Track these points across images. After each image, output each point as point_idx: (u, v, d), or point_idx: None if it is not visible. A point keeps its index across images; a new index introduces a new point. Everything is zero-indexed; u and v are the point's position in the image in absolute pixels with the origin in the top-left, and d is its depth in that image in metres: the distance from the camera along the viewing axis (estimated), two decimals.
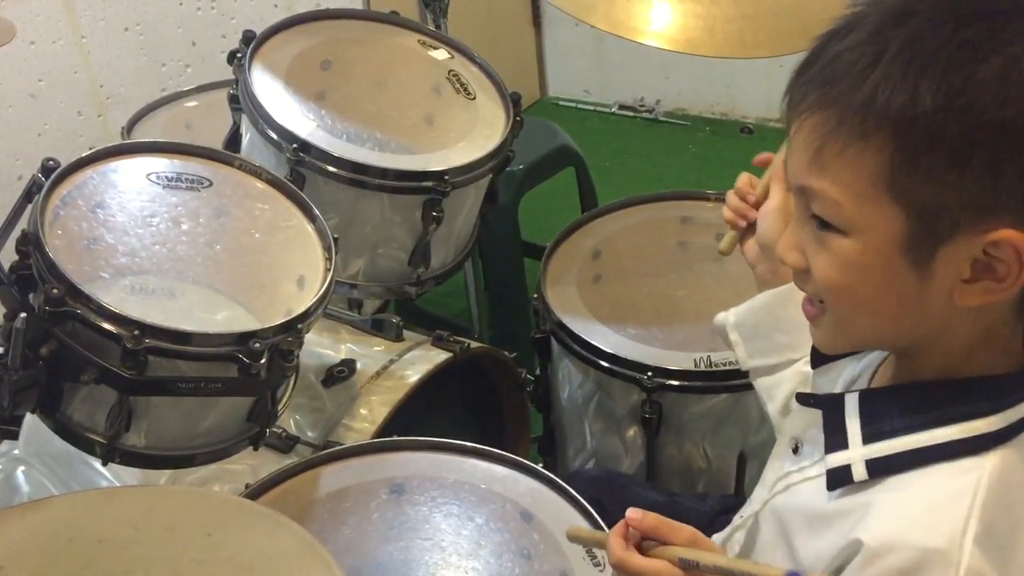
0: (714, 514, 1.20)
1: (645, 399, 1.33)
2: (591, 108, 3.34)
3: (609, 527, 1.10)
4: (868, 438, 0.72)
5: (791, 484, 0.81)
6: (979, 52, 0.62)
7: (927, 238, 0.65)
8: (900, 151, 0.63)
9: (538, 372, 1.58)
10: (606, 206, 1.62)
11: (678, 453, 1.39)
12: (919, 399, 0.71)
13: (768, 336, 1.01)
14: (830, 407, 0.76)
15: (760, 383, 1.03)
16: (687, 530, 0.82)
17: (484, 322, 1.96)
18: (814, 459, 0.79)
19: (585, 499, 1.13)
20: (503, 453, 1.21)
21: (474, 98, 1.50)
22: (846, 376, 0.82)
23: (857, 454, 0.72)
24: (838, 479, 0.73)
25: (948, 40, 0.62)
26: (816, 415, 0.78)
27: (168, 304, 1.21)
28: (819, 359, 0.84)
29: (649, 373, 1.32)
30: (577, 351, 1.39)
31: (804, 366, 0.97)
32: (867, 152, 0.64)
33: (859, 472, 0.71)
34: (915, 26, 0.64)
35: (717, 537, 0.95)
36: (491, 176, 1.47)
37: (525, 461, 1.20)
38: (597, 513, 1.10)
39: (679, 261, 1.57)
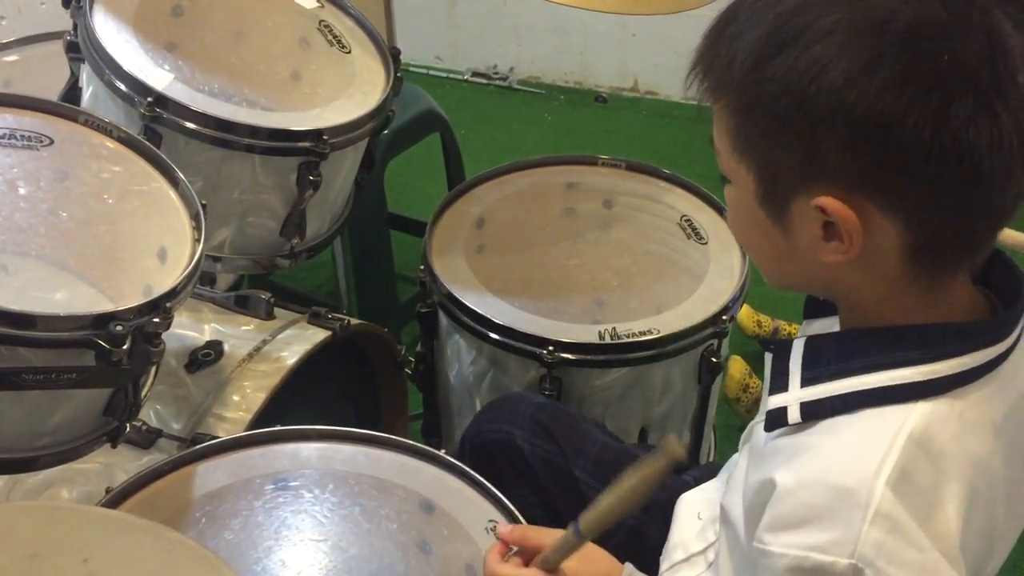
0: None
1: (545, 375, 1.25)
2: (443, 75, 3.22)
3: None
4: (805, 382, 0.72)
5: (757, 423, 0.81)
6: (787, 29, 0.64)
7: (773, 195, 0.69)
8: (737, 114, 0.68)
9: (419, 349, 1.47)
10: (490, 171, 1.52)
11: None
12: (855, 345, 0.72)
13: None
14: (780, 351, 0.76)
15: None
16: (556, 533, 0.87)
17: (353, 297, 1.82)
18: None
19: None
20: (401, 440, 1.11)
21: (349, 52, 1.37)
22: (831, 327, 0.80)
23: (793, 396, 0.72)
24: (775, 420, 0.73)
25: (766, 12, 0.65)
26: None
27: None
28: (809, 311, 0.84)
29: (550, 347, 1.23)
30: (470, 325, 1.29)
31: None
32: (722, 110, 0.70)
33: (793, 414, 0.72)
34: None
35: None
36: (369, 139, 1.35)
37: (425, 447, 1.10)
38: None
39: (567, 229, 1.49)
